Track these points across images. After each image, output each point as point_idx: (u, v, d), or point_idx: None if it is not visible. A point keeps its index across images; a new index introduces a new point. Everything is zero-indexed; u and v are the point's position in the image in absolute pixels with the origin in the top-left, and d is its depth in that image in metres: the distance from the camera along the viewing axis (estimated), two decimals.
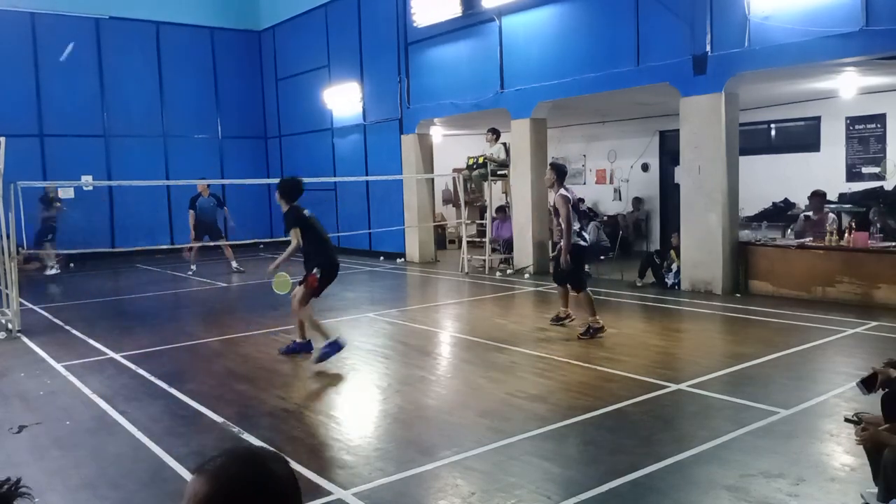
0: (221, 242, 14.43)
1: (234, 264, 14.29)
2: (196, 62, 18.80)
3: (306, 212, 7.10)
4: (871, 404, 3.79)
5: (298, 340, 7.25)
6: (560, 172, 7.77)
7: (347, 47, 16.44)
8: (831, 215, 10.24)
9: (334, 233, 16.28)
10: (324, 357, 6.67)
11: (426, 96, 14.45)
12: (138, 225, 17.38)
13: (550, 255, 7.93)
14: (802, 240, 9.77)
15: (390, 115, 15.43)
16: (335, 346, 6.70)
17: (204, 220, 14.04)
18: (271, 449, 1.38)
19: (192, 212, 14.02)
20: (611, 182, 16.28)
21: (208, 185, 14.31)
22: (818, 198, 10.25)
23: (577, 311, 8.03)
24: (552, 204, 7.80)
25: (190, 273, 13.98)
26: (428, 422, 5.22)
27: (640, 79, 10.50)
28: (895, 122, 11.79)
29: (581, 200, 15.74)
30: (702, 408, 5.28)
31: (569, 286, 7.90)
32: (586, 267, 7.97)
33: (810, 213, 10.11)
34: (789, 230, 10.55)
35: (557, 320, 8.14)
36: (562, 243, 7.59)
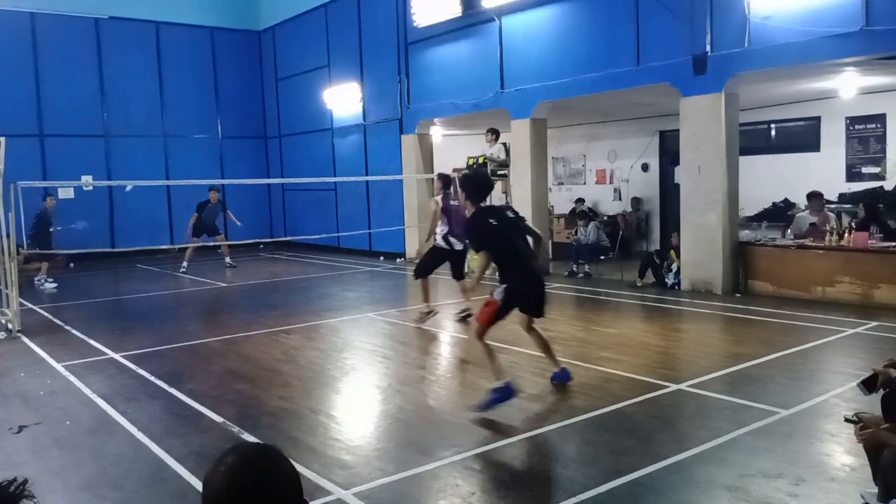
0: (220, 241, 14.63)
1: (227, 260, 14.48)
2: (196, 62, 18.80)
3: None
4: (871, 404, 3.79)
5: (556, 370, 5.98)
6: (445, 182, 8.63)
7: (347, 47, 16.44)
8: (831, 215, 10.24)
9: (334, 233, 16.37)
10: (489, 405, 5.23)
11: (426, 96, 14.45)
12: (138, 225, 17.40)
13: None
14: (802, 240, 9.76)
15: (390, 115, 15.43)
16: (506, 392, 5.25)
17: (206, 222, 14.37)
18: (277, 448, 1.41)
19: (196, 214, 14.39)
20: (611, 182, 16.28)
21: (218, 191, 14.84)
22: (818, 199, 10.24)
23: (466, 299, 8.44)
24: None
25: (182, 271, 14.01)
26: (428, 422, 5.22)
27: (640, 79, 10.50)
28: (895, 122, 11.79)
29: (581, 200, 15.80)
30: (701, 408, 5.28)
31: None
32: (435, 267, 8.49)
33: (815, 220, 10.06)
34: (788, 231, 10.52)
35: (461, 314, 8.49)
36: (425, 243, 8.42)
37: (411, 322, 8.75)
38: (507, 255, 5.52)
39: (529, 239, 5.72)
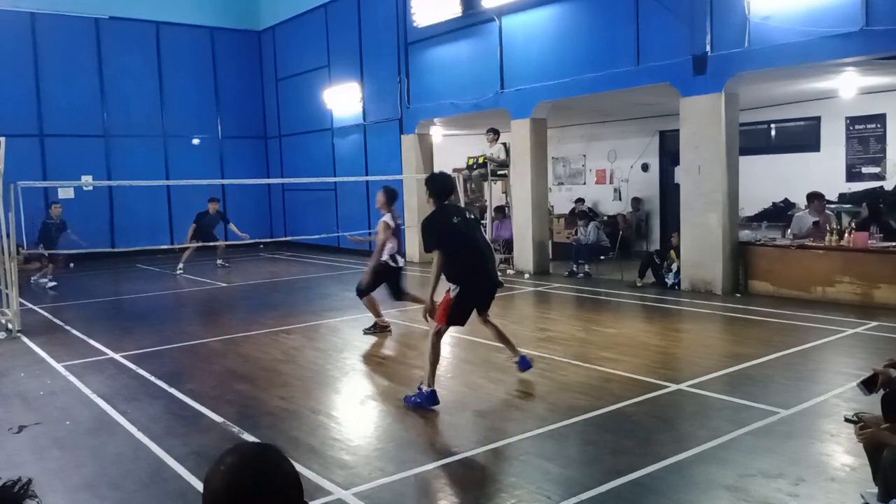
0: (218, 243, 14.68)
1: (219, 261, 14.48)
2: (196, 62, 18.81)
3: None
4: (871, 404, 3.79)
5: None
6: (390, 197, 8.31)
7: (347, 47, 16.44)
8: (832, 215, 10.23)
9: (334, 233, 16.37)
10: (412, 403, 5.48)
11: (426, 96, 14.45)
12: (138, 225, 17.40)
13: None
14: (803, 240, 9.75)
15: (390, 115, 15.43)
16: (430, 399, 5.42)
17: (204, 231, 14.44)
18: (278, 448, 1.41)
19: (194, 224, 14.46)
20: (611, 182, 16.28)
21: (218, 202, 14.89)
22: (820, 200, 10.22)
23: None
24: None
25: (179, 272, 13.99)
26: (428, 422, 5.22)
27: (640, 79, 10.50)
28: (895, 122, 11.79)
29: (581, 200, 15.81)
30: (701, 408, 5.28)
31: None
32: (383, 285, 8.21)
33: (817, 219, 10.04)
34: (788, 231, 10.51)
35: (376, 329, 8.29)
36: (371, 262, 8.18)
37: (412, 322, 8.75)
38: (465, 254, 5.56)
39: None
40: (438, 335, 5.54)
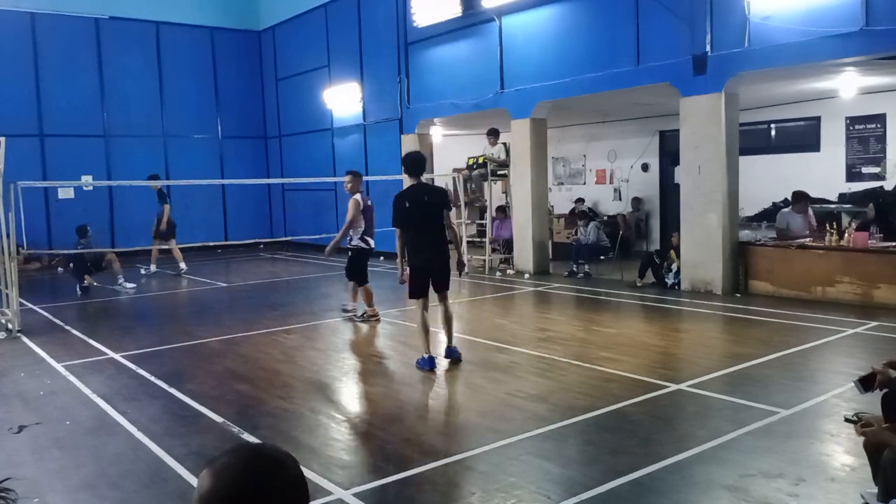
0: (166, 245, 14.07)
1: (181, 265, 13.93)
2: (196, 62, 18.80)
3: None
4: (871, 404, 3.79)
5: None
6: (358, 179, 8.87)
7: (347, 47, 16.44)
8: (811, 216, 10.26)
9: (334, 233, 16.34)
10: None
11: (426, 96, 14.45)
12: (138, 225, 17.37)
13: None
14: (793, 240, 9.75)
15: (390, 115, 15.43)
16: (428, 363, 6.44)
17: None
18: (282, 450, 1.33)
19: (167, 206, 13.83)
20: (611, 182, 16.28)
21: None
22: (806, 201, 10.24)
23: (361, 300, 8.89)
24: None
25: (182, 273, 13.73)
26: (428, 422, 5.23)
27: (640, 79, 10.50)
28: (895, 122, 11.79)
29: (581, 200, 15.80)
30: (701, 408, 5.28)
31: (355, 282, 8.83)
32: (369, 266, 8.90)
33: (811, 219, 10.08)
34: (777, 226, 10.44)
35: (360, 317, 8.80)
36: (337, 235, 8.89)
37: (412, 322, 8.75)
38: (413, 235, 6.49)
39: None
40: (420, 307, 6.55)
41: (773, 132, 13.60)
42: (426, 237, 6.46)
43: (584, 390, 5.70)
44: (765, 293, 9.62)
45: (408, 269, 6.54)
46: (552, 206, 15.08)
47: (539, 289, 11.05)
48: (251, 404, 5.64)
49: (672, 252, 10.63)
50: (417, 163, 6.57)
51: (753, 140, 13.09)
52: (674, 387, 5.69)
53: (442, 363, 6.59)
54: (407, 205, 6.42)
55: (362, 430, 5.14)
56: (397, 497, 3.94)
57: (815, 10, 8.46)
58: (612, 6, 10.84)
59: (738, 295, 9.69)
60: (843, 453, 4.26)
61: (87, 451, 4.73)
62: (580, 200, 15.80)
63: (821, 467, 4.10)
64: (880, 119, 11.93)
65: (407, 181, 6.92)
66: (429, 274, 6.51)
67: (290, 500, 1.30)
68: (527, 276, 12.27)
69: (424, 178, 6.75)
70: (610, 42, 10.91)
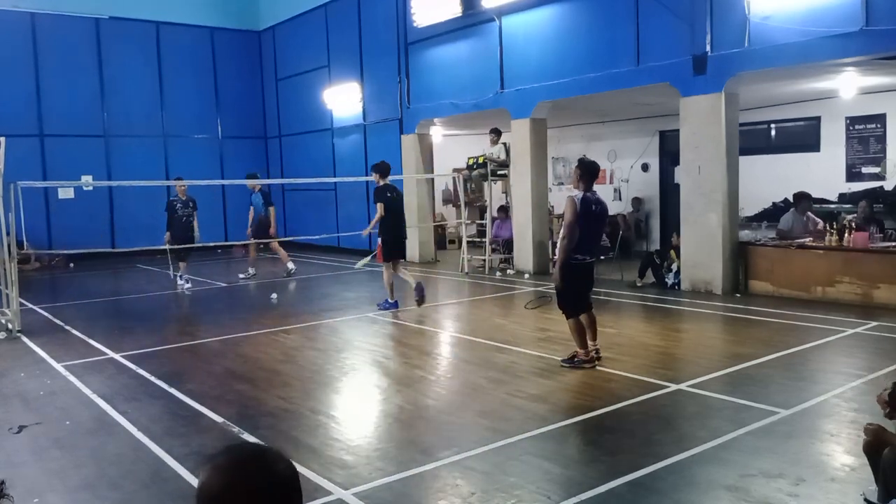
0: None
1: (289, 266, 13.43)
2: (196, 62, 18.80)
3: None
4: (870, 404, 3.79)
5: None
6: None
7: (347, 47, 16.44)
8: (812, 217, 10.25)
9: (334, 233, 16.37)
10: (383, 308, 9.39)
11: (426, 96, 14.45)
12: (138, 225, 17.38)
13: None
14: (793, 240, 9.75)
15: (390, 115, 15.43)
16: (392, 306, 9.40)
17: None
18: (275, 449, 1.38)
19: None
20: (611, 182, 16.27)
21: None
22: (808, 201, 10.24)
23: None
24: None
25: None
26: (428, 422, 5.22)
27: (640, 79, 10.50)
28: (895, 122, 11.79)
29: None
30: (701, 408, 5.28)
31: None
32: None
33: (818, 221, 10.06)
34: (780, 227, 10.44)
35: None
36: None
37: (412, 322, 8.74)
38: (389, 217, 9.40)
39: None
40: (387, 268, 9.54)
41: (773, 132, 13.60)
42: (395, 222, 9.58)
43: (584, 390, 5.70)
44: (765, 293, 9.61)
45: (380, 239, 9.43)
46: (552, 206, 15.07)
47: (539, 289, 11.03)
48: (251, 404, 5.64)
49: (672, 252, 10.63)
50: (386, 169, 9.72)
51: (753, 140, 13.09)
52: (674, 387, 5.69)
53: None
54: (389, 195, 9.49)
55: (362, 430, 5.14)
56: (397, 497, 3.94)
57: (815, 10, 8.46)
58: (612, 6, 10.83)
59: (738, 295, 9.69)
60: (843, 453, 4.26)
61: (87, 451, 4.73)
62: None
63: (821, 467, 4.10)
64: (880, 119, 11.93)
65: (380, 180, 9.59)
66: (397, 248, 9.64)
67: (282, 500, 1.31)
68: (527, 276, 12.27)
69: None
70: (610, 42, 10.90)
